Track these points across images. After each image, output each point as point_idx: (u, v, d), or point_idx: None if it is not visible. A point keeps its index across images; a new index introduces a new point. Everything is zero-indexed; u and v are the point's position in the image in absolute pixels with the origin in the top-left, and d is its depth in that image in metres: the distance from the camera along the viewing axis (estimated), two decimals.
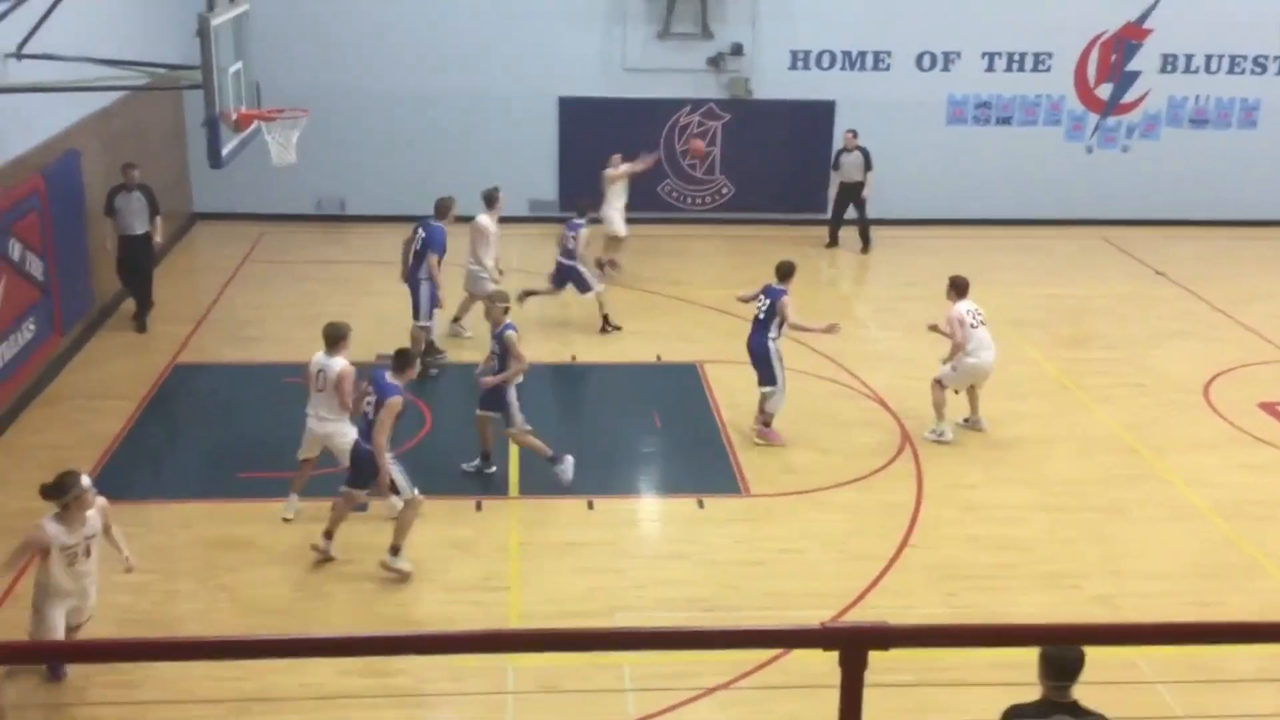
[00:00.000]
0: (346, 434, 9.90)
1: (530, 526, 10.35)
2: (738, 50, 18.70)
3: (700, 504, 10.80)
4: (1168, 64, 19.43)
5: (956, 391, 12.05)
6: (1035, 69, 19.31)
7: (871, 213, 18.67)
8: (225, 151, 11.13)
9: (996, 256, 17.81)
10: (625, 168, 16.25)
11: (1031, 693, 5.73)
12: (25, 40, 11.65)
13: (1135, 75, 19.44)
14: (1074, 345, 14.92)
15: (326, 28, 18.10)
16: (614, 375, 13.69)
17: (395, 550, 9.46)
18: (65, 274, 13.22)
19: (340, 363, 9.89)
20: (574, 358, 14.05)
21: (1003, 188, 19.13)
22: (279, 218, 18.53)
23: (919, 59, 19.11)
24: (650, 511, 11.02)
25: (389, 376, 9.55)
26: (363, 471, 9.55)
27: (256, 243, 17.82)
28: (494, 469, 11.10)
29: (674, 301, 15.82)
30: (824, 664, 3.03)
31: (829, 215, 18.52)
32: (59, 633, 7.86)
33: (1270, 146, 19.66)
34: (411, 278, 13.49)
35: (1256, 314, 15.75)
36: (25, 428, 11.88)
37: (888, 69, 19.06)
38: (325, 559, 9.65)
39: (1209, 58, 19.44)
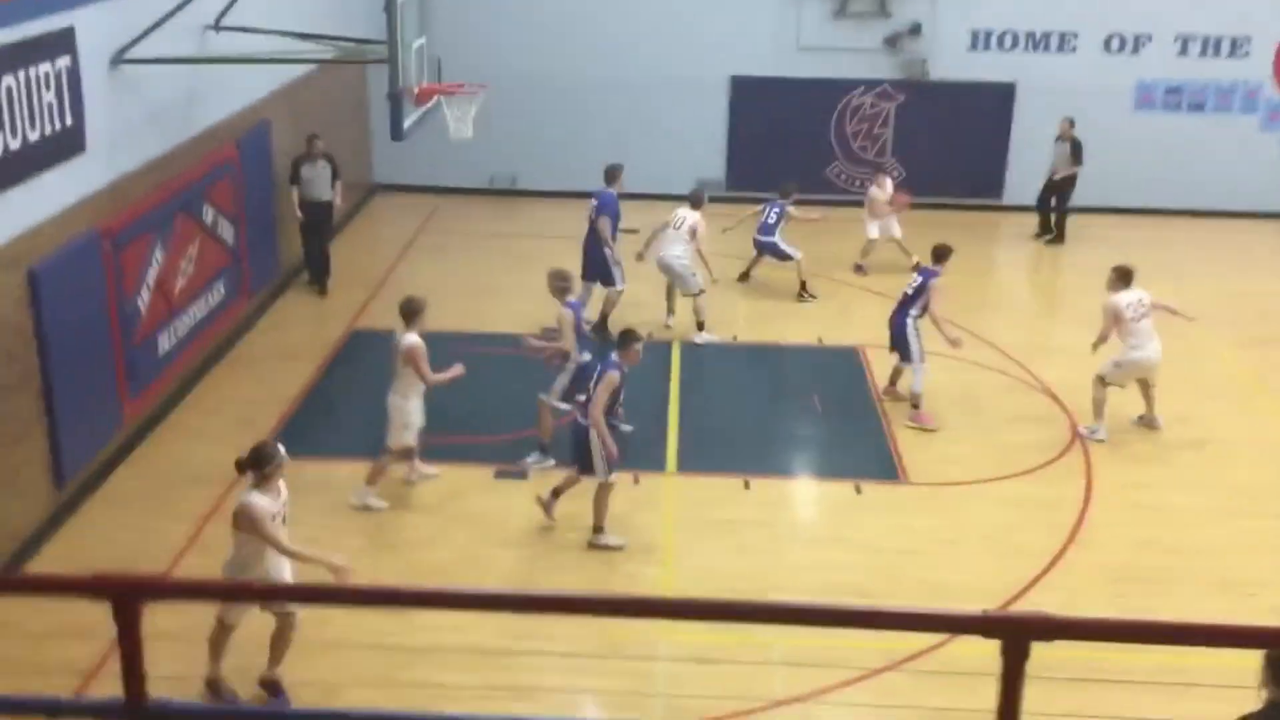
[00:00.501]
0: (412, 412, 10.14)
1: (686, 504, 10.43)
2: (916, 29, 18.33)
3: (858, 489, 10.71)
4: None
5: (1122, 386, 11.56)
6: (1231, 54, 18.38)
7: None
8: (406, 124, 11.47)
9: (1184, 249, 17.07)
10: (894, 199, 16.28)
11: (1194, 697, 5.54)
12: (223, 13, 12.23)
13: None
14: (1263, 344, 14.19)
15: (506, 7, 18.44)
16: (775, 356, 13.64)
17: (599, 529, 9.69)
18: (254, 239, 13.85)
19: (412, 338, 10.00)
20: (735, 337, 14.05)
21: (1192, 178, 18.27)
22: (453, 191, 19.01)
23: (1107, 41, 18.40)
24: (807, 494, 10.98)
25: (614, 355, 9.72)
26: (581, 449, 9.70)
27: (431, 214, 18.33)
28: (551, 462, 10.80)
29: (838, 285, 15.66)
30: (981, 658, 2.99)
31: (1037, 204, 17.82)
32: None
33: None
34: (588, 246, 13.84)
35: None
36: (214, 384, 12.52)
37: (1073, 51, 18.41)
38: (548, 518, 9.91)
39: None
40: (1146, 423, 11.76)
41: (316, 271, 15.16)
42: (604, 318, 13.68)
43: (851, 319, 14.48)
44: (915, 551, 9.77)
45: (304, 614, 8.39)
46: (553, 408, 10.79)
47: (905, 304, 11.94)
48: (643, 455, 11.13)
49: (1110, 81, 18.42)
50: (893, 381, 12.37)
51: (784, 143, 18.78)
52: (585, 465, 9.71)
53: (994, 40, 18.47)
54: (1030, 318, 14.30)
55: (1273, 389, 12.83)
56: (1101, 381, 11.45)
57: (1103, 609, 9.00)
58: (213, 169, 12.67)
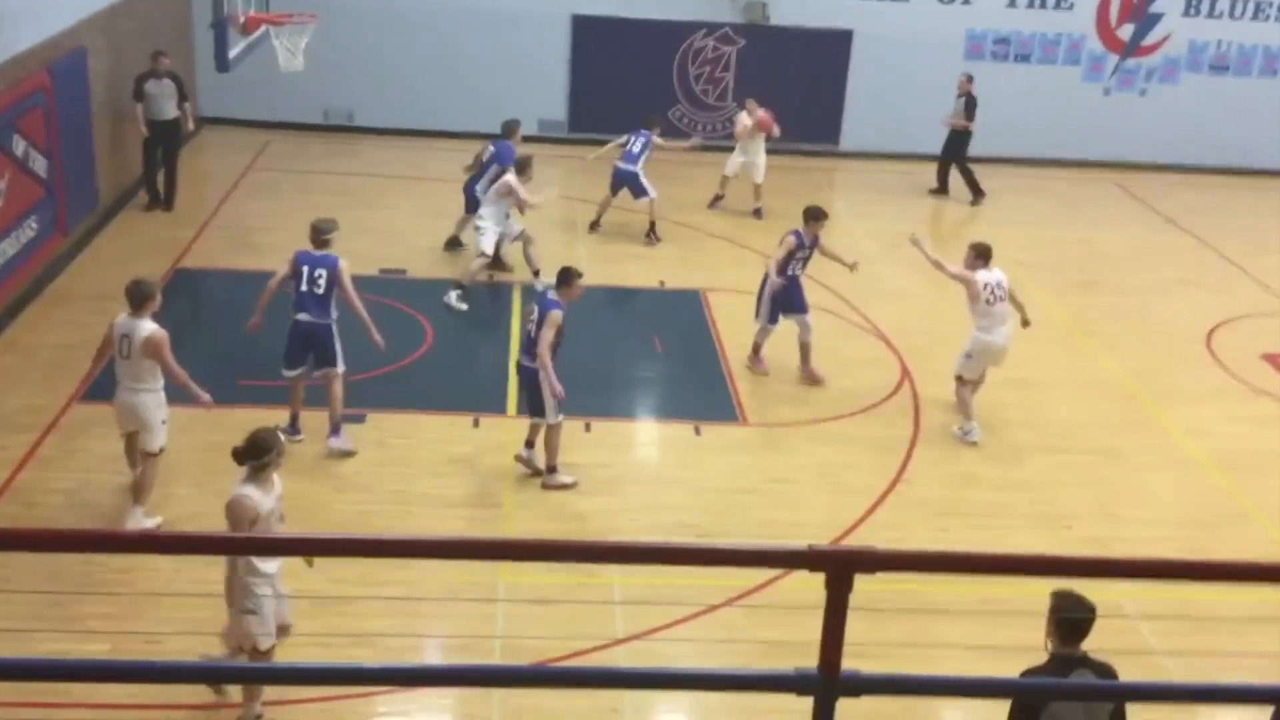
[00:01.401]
0: (160, 406, 8.88)
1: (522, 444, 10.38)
2: None
3: (697, 430, 10.84)
4: (1191, 7, 19.14)
5: (979, 380, 10.96)
6: (1057, 6, 19.02)
7: (892, 147, 18.52)
8: (232, 55, 11.03)
9: (1007, 196, 17.68)
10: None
11: (1014, 625, 5.80)
12: None
13: (1158, 17, 19.16)
14: (1081, 290, 14.86)
15: None
16: (617, 298, 13.66)
17: (552, 469, 9.71)
18: (70, 173, 13.14)
19: (149, 326, 8.78)
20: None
21: (1017, 127, 18.91)
22: (286, 126, 18.38)
23: None
24: (647, 436, 11.06)
25: (551, 294, 9.67)
26: (531, 391, 9.69)
27: (262, 150, 17.70)
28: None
29: (680, 228, 15.74)
30: (810, 592, 3.05)
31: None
32: (272, 626, 7.11)
33: None
34: (468, 189, 13.80)
35: (1266, 266, 15.67)
36: (28, 326, 11.89)
37: (907, 0, 18.78)
38: (532, 472, 9.85)
39: (1234, 2, 19.13)
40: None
41: (160, 190, 15.07)
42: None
43: (693, 262, 14.58)
44: (752, 491, 9.96)
45: (129, 563, 8.12)
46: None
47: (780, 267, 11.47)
48: (483, 398, 11.05)
49: (942, 31, 18.87)
50: (804, 359, 11.78)
51: (626, 84, 18.72)
52: (536, 407, 9.70)
53: None
54: (863, 263, 14.60)
55: (1090, 332, 13.45)
56: (960, 380, 10.88)
57: (927, 544, 9.34)
58: (22, 99, 11.94)
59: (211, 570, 8.28)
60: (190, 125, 15.31)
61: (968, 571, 2.91)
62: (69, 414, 10.34)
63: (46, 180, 12.61)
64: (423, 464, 9.97)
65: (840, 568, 2.71)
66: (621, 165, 14.95)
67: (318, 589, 8.22)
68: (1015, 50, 19.17)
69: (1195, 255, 16.20)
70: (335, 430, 10.03)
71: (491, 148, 13.84)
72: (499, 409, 10.92)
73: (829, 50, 18.89)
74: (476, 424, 10.62)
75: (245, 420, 10.38)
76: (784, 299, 11.63)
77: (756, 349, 11.96)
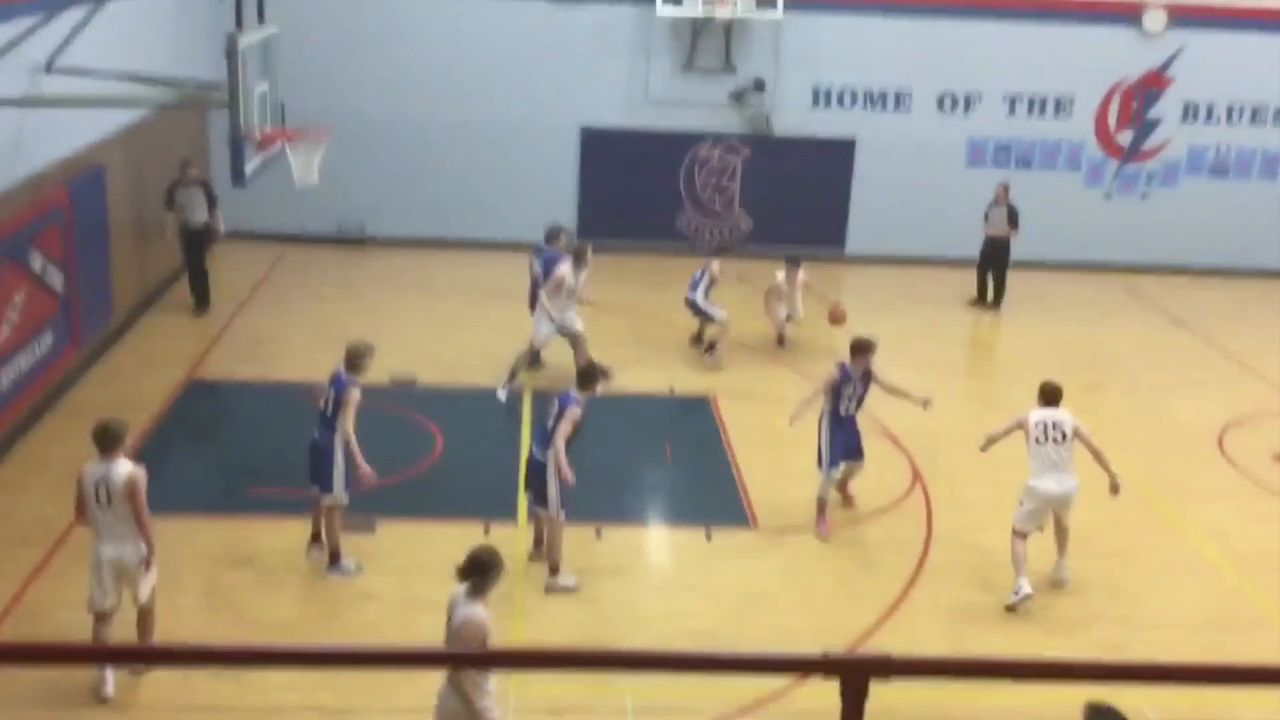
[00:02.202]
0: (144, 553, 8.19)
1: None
2: (760, 85, 18.81)
3: (708, 536, 10.77)
4: (1189, 113, 19.47)
5: (1039, 529, 10.03)
6: (1056, 114, 19.37)
7: (897, 252, 18.70)
8: (248, 170, 11.22)
9: (1013, 300, 17.78)
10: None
11: None
12: (55, 54, 11.80)
13: (1156, 123, 19.48)
14: (1090, 390, 14.84)
15: (352, 52, 18.27)
16: (626, 405, 13.69)
17: (554, 569, 9.71)
18: (85, 287, 13.32)
19: (125, 467, 8.09)
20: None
21: (1021, 231, 19.09)
22: (299, 239, 18.65)
23: (940, 100, 19.18)
24: (658, 542, 11.00)
25: (574, 391, 9.78)
26: (535, 482, 9.79)
27: (276, 263, 17.93)
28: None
29: (688, 333, 15.83)
30: (826, 700, 3.02)
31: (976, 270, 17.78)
32: None
33: None
34: (533, 302, 13.86)
35: (1273, 365, 15.68)
36: (41, 438, 11.94)
37: (909, 109, 19.14)
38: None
39: (1230, 108, 19.46)
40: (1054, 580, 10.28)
41: (198, 291, 15.59)
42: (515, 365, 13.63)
43: (703, 368, 14.63)
44: (765, 596, 9.87)
45: (131, 679, 8.03)
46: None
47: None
48: (494, 506, 11.01)
49: (944, 138, 19.20)
50: (841, 488, 11.32)
51: (634, 193, 19.02)
52: (540, 498, 9.74)
53: (834, 98, 19.07)
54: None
55: (1101, 432, 13.38)
56: (1016, 535, 9.94)
57: (944, 650, 9.22)
58: (41, 215, 12.16)
59: (222, 684, 8.20)
60: (221, 229, 15.78)
61: (986, 677, 2.88)
62: (80, 528, 10.31)
63: (62, 294, 12.78)
64: (433, 572, 9.86)
65: (856, 674, 2.69)
66: (687, 293, 14.91)
67: (326, 703, 8.13)
68: (1016, 156, 19.47)
69: (1202, 355, 16.23)
70: (332, 561, 9.83)
71: (538, 261, 13.84)
72: (510, 516, 10.88)
73: (833, 158, 19.20)
74: (487, 532, 10.56)
75: (254, 529, 10.40)
76: (842, 441, 10.77)
77: (821, 507, 10.80)
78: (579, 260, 13.59)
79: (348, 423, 9.52)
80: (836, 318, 14.41)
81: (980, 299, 17.77)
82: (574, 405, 9.70)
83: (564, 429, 9.61)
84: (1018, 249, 18.95)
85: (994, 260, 17.61)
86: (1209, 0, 18.90)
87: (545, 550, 9.80)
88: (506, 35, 18.44)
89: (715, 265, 14.96)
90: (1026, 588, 9.69)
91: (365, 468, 9.61)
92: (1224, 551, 10.95)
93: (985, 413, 13.66)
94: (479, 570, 6.94)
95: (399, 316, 15.89)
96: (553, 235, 14.12)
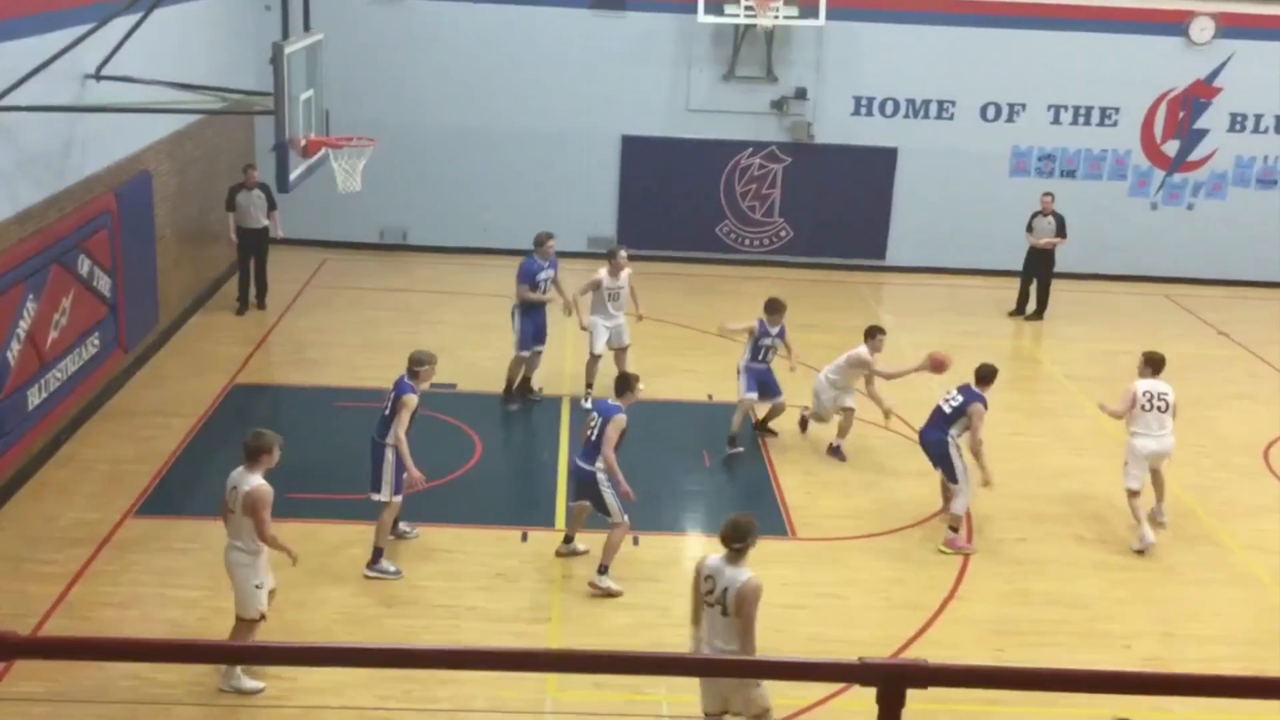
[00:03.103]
0: (251, 568, 8.29)
1: (575, 560, 10.34)
2: (801, 94, 18.78)
3: None
4: (1236, 123, 19.24)
5: (1139, 487, 10.95)
6: (1101, 123, 19.20)
7: (938, 262, 18.61)
8: (293, 177, 11.34)
9: (1058, 310, 17.62)
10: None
11: None
12: (104, 62, 11.98)
13: (1203, 133, 19.26)
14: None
15: (397, 61, 18.42)
16: (665, 413, 13.68)
17: (604, 569, 9.79)
18: (132, 291, 13.49)
19: (255, 480, 8.27)
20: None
21: (1066, 242, 18.92)
22: (342, 245, 18.81)
23: (984, 109, 19.07)
24: (695, 550, 10.96)
25: (612, 400, 9.89)
26: (591, 493, 9.87)
27: (319, 269, 18.09)
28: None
29: (727, 342, 15.79)
30: (862, 714, 3.00)
31: (1020, 279, 17.66)
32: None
33: None
34: (511, 308, 13.63)
35: None
36: (86, 441, 12.10)
37: (951, 118, 19.04)
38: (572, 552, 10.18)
39: (1279, 118, 19.21)
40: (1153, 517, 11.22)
41: (250, 293, 16.08)
42: (508, 383, 13.50)
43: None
44: (802, 606, 9.82)
45: (175, 678, 8.12)
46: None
47: (942, 421, 10.91)
48: (532, 512, 11.05)
49: (987, 148, 19.08)
50: (945, 502, 11.18)
51: (674, 201, 19.04)
52: (600, 508, 9.83)
53: (876, 106, 19.01)
54: (912, 377, 14.57)
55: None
56: (1130, 491, 11.00)
57: (983, 662, 9.13)
58: (88, 220, 12.33)
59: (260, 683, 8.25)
60: (280, 232, 16.14)
61: (1025, 688, 2.86)
62: (123, 528, 10.45)
63: (109, 299, 12.95)
64: (471, 578, 9.95)
65: (892, 682, 2.67)
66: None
67: (363, 702, 8.17)
68: (1060, 166, 19.32)
69: (1248, 368, 16.02)
70: (373, 559, 9.91)
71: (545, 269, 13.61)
72: (548, 523, 10.91)
73: (874, 167, 19.13)
74: (525, 538, 10.60)
75: (295, 533, 10.47)
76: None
77: (956, 524, 10.81)
78: (612, 263, 13.48)
79: (400, 426, 9.63)
80: (938, 366, 12.16)
81: (1019, 309, 17.62)
82: (617, 413, 9.75)
83: (612, 438, 9.69)
84: (1064, 259, 18.81)
85: (1039, 270, 17.46)
86: (1257, 9, 18.68)
87: (603, 549, 9.84)
88: (549, 44, 18.52)
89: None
90: (1150, 536, 10.79)
91: (414, 472, 9.73)
92: (1269, 567, 10.79)
93: (1027, 424, 13.58)
94: (737, 536, 7.36)
95: (440, 322, 15.99)
96: (536, 242, 13.53)
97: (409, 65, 18.47)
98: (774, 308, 12.73)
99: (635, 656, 2.71)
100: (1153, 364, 11.20)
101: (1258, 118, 19.21)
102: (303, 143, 11.57)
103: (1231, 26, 18.72)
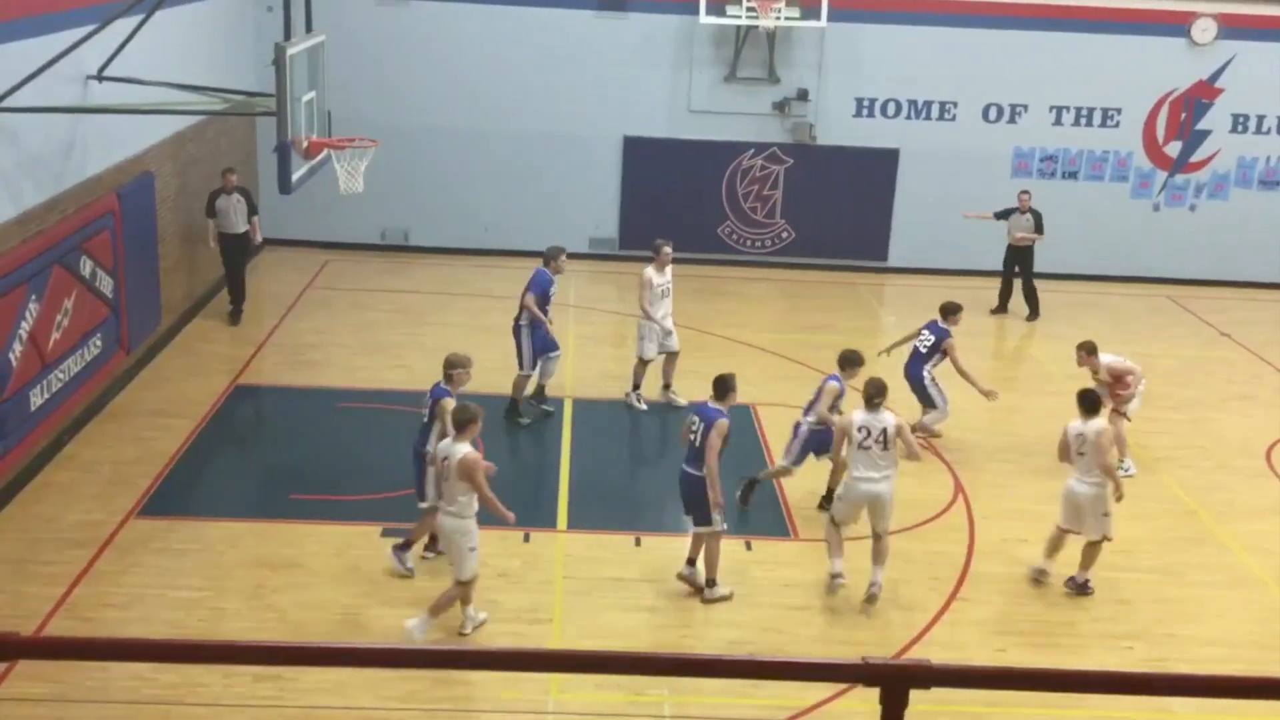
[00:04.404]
0: (465, 534, 8.94)
1: (577, 561, 10.34)
2: (803, 95, 18.78)
3: (748, 546, 10.74)
4: (1238, 124, 19.23)
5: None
6: (1103, 124, 19.19)
7: (940, 263, 18.61)
8: (295, 178, 11.34)
9: (1060, 312, 17.62)
10: None
11: None
12: (107, 63, 11.98)
13: (1205, 134, 19.25)
14: None
15: (399, 63, 18.43)
16: (667, 414, 13.68)
17: (711, 582, 9.72)
18: (134, 292, 13.50)
19: (464, 448, 8.89)
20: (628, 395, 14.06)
21: (1067, 243, 18.92)
22: (344, 246, 18.82)
23: (985, 110, 19.07)
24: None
25: (711, 403, 9.81)
26: (695, 501, 9.74)
27: (321, 270, 18.10)
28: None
29: (729, 343, 15.81)
30: (864, 716, 3.00)
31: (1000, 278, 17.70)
32: None
33: None
34: (515, 323, 13.10)
35: None
36: (88, 441, 12.10)
37: (953, 119, 19.04)
38: (694, 590, 9.82)
39: None
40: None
41: (233, 301, 15.73)
42: (513, 401, 13.11)
43: (743, 377, 14.53)
44: (805, 608, 9.81)
45: (176, 679, 8.12)
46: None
47: (919, 359, 12.60)
48: (534, 514, 11.04)
49: (989, 149, 19.07)
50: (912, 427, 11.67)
51: (676, 203, 19.03)
52: (701, 517, 9.70)
53: (878, 108, 19.01)
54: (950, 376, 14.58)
55: (1146, 446, 13.25)
56: (1117, 416, 11.85)
57: (985, 662, 9.13)
58: (91, 221, 12.33)
59: (262, 684, 8.27)
60: (258, 239, 15.92)
61: (1027, 688, 2.85)
62: (126, 529, 10.45)
63: (112, 300, 12.95)
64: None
65: (895, 682, 2.67)
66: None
67: (365, 702, 8.17)
68: (1062, 167, 19.31)
69: (1251, 369, 16.01)
70: (402, 546, 9.91)
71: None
72: (550, 524, 10.91)
73: (876, 168, 19.12)
74: (527, 539, 10.60)
75: (297, 534, 10.49)
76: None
77: (926, 428, 12.40)
78: (658, 258, 13.27)
79: (444, 429, 9.58)
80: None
81: (1002, 307, 17.66)
82: (720, 417, 9.66)
83: (715, 443, 9.55)
84: (1065, 260, 18.82)
85: (1020, 269, 17.49)
86: (1259, 9, 18.67)
87: (705, 565, 9.73)
88: (551, 45, 18.52)
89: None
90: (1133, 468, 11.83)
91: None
92: (1270, 569, 10.78)
93: (1030, 426, 13.57)
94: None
95: (441, 324, 16.00)
96: (547, 257, 13.12)
97: (411, 67, 18.48)
98: (850, 361, 11.31)
99: (637, 657, 2.71)
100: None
101: (1260, 119, 19.20)
102: (305, 144, 11.57)
103: (1233, 27, 18.71)
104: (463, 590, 8.98)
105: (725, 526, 9.76)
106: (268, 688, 8.31)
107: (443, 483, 8.94)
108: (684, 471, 9.87)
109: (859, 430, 9.70)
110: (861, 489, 9.69)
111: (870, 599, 9.65)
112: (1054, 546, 10.20)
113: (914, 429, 12.20)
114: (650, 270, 13.30)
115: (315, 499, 11.07)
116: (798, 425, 11.40)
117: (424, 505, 9.84)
